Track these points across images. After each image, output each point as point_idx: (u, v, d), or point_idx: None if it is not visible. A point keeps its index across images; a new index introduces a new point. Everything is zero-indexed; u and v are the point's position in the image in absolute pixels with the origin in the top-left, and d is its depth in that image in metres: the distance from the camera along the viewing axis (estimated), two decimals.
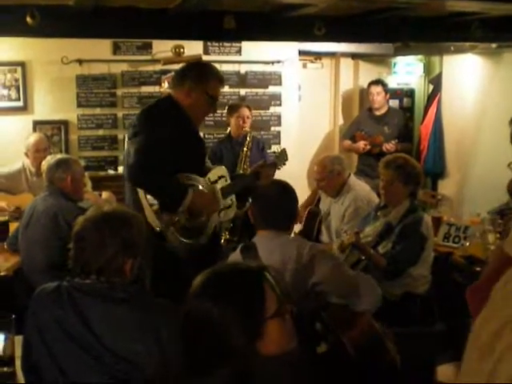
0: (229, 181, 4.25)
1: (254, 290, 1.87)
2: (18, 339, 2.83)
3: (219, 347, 1.79)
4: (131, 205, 3.87)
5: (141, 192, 3.78)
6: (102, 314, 2.45)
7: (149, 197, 3.77)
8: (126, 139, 4.06)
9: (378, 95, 7.38)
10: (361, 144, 7.27)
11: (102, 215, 2.60)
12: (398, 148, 6.92)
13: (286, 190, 3.38)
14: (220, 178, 4.19)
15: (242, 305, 1.83)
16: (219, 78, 4.07)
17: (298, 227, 5.28)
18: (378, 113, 7.45)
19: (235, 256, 3.34)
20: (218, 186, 4.11)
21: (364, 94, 8.18)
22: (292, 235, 3.60)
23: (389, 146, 7.04)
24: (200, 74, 3.97)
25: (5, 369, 2.92)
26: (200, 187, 3.92)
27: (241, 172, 5.85)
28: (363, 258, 4.27)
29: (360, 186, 5.20)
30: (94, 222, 2.57)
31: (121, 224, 2.57)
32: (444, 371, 3.52)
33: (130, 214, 2.67)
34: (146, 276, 2.66)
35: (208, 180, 4.07)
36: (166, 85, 7.12)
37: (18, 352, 2.79)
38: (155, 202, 3.78)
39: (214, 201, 4.01)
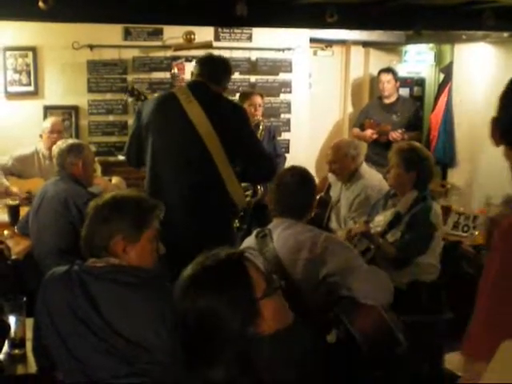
0: None
1: (237, 274, 1.87)
2: (29, 322, 2.86)
3: (217, 338, 1.79)
4: (213, 187, 4.07)
5: (229, 177, 4.04)
6: (111, 298, 2.47)
7: None
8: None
9: (388, 83, 7.36)
10: (368, 132, 7.26)
11: (116, 197, 2.64)
12: (404, 137, 6.91)
13: (305, 179, 3.38)
14: None
15: (230, 292, 1.83)
16: None
17: None
18: (387, 101, 7.44)
19: (250, 240, 3.35)
20: None
21: (374, 82, 8.16)
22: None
23: (395, 135, 7.02)
24: (230, 71, 4.33)
25: (16, 351, 2.96)
26: None
27: None
28: (372, 246, 4.27)
29: (371, 175, 5.17)
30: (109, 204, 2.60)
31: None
32: (452, 359, 3.54)
33: (140, 198, 2.71)
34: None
35: None
36: (175, 71, 7.13)
37: (29, 334, 2.82)
38: None
39: None
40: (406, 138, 6.72)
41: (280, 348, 1.86)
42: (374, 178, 5.14)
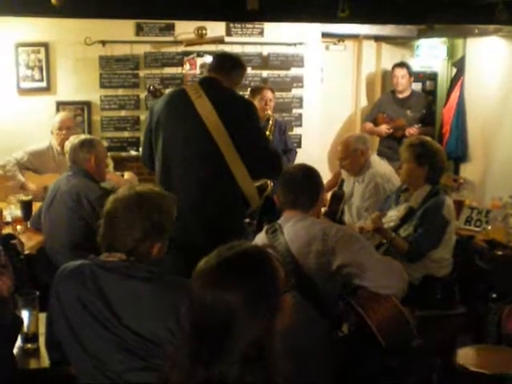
0: None
1: (266, 265, 1.86)
2: (42, 316, 2.87)
3: (237, 329, 1.75)
4: (224, 187, 4.03)
5: (240, 172, 3.99)
6: (123, 292, 2.46)
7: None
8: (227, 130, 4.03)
9: (402, 78, 7.32)
10: (383, 128, 7.24)
11: (135, 195, 2.60)
12: (421, 132, 6.87)
13: (310, 171, 3.43)
14: None
15: (260, 281, 1.81)
16: None
17: (322, 210, 5.28)
18: (400, 96, 7.40)
19: (261, 236, 3.36)
20: None
21: (387, 76, 8.13)
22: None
23: (412, 131, 7.00)
24: (239, 64, 4.27)
25: (29, 345, 2.98)
26: None
27: None
28: (384, 241, 4.27)
29: (380, 165, 5.19)
30: (127, 202, 2.56)
31: (153, 208, 2.56)
32: (464, 354, 3.53)
33: (162, 197, 2.65)
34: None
35: None
36: (187, 66, 7.13)
37: (42, 329, 2.83)
38: None
39: None
40: (422, 133, 6.69)
41: (286, 344, 1.85)
42: (382, 167, 5.16)
